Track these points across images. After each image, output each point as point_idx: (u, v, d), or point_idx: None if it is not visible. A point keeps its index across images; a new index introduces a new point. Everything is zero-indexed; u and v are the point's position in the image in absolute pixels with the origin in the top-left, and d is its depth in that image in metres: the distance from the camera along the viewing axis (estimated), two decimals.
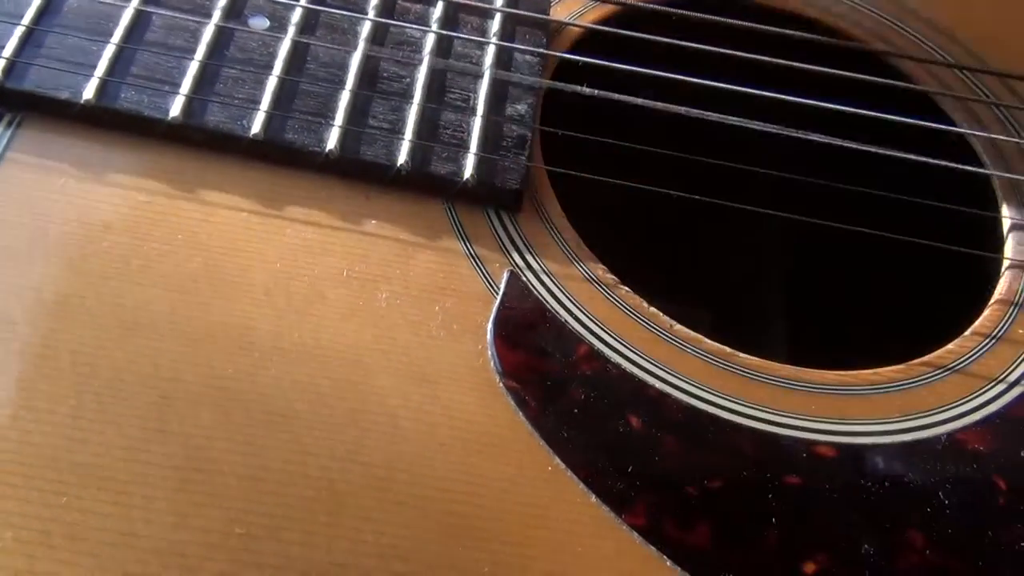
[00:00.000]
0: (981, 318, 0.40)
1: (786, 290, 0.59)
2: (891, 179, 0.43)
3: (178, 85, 0.37)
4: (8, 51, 0.37)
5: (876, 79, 0.45)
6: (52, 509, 0.29)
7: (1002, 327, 0.39)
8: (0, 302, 0.32)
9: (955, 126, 0.47)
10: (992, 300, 0.41)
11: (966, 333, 0.39)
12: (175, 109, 0.37)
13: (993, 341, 0.39)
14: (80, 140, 0.37)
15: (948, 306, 0.45)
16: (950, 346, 0.38)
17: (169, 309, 0.33)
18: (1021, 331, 0.39)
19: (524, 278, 0.36)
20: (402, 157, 0.37)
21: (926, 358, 0.38)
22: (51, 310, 0.32)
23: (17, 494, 0.29)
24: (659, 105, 0.41)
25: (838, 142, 0.42)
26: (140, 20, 0.39)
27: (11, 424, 0.30)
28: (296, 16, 0.40)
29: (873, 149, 0.42)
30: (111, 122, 0.37)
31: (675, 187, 0.41)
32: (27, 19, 0.38)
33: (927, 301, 0.50)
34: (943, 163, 0.43)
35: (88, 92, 0.36)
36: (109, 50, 0.38)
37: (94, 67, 0.37)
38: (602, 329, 0.36)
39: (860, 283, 0.54)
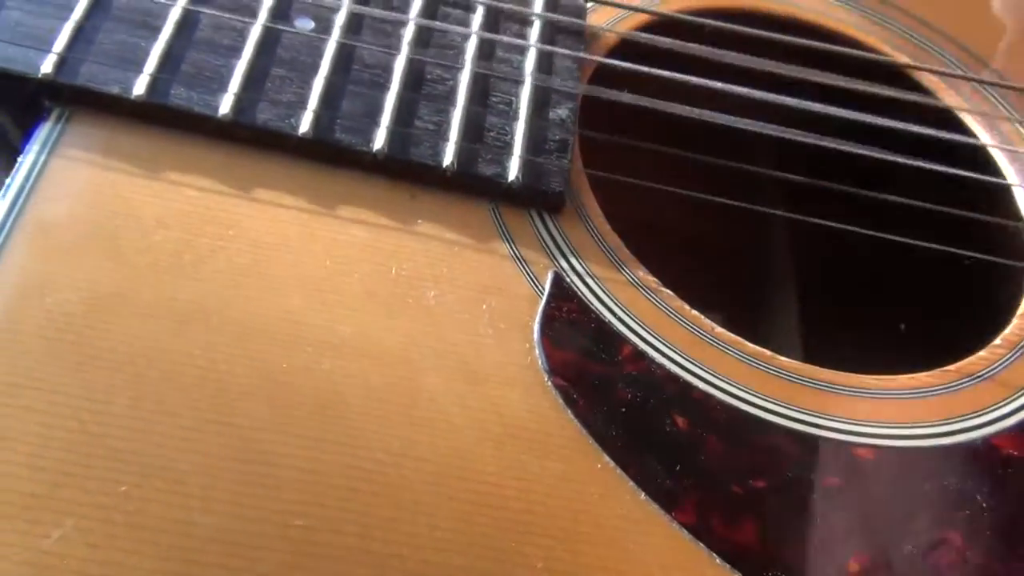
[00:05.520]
0: (1011, 327, 0.40)
1: (801, 296, 0.60)
2: (916, 190, 0.44)
3: (227, 83, 0.38)
4: (60, 46, 0.37)
5: (908, 95, 0.46)
6: (112, 498, 0.29)
7: None
8: (57, 296, 0.32)
9: (976, 139, 0.48)
10: (1017, 313, 0.41)
11: (996, 341, 0.40)
12: (225, 107, 0.37)
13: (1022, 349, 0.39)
14: (129, 136, 0.37)
15: (969, 313, 0.46)
16: (982, 353, 0.39)
17: (222, 304, 0.33)
18: None
19: (568, 279, 0.37)
20: (448, 158, 0.38)
21: (960, 364, 0.38)
22: (107, 303, 0.33)
23: (77, 483, 0.29)
24: (692, 111, 0.42)
25: (873, 153, 0.43)
26: (188, 18, 0.39)
27: (71, 414, 0.30)
28: (340, 18, 0.41)
29: (902, 160, 0.43)
30: (160, 118, 0.37)
31: (698, 189, 0.42)
32: (77, 14, 0.38)
33: (946, 309, 0.51)
34: (967, 174, 0.44)
35: (138, 88, 0.37)
36: (159, 47, 0.38)
37: (144, 63, 0.37)
38: (645, 330, 0.36)
39: (880, 291, 0.54)
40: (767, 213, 0.46)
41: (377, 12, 0.42)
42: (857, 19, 0.51)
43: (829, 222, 0.43)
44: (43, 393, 0.30)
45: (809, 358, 0.39)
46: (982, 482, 0.35)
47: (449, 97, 0.40)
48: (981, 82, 0.50)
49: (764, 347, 0.37)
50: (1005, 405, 0.37)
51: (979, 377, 0.38)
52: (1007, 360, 0.39)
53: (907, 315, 0.52)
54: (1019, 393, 0.37)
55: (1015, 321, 0.40)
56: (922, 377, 0.38)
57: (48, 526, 0.28)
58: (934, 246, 0.43)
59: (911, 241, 0.43)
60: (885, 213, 0.44)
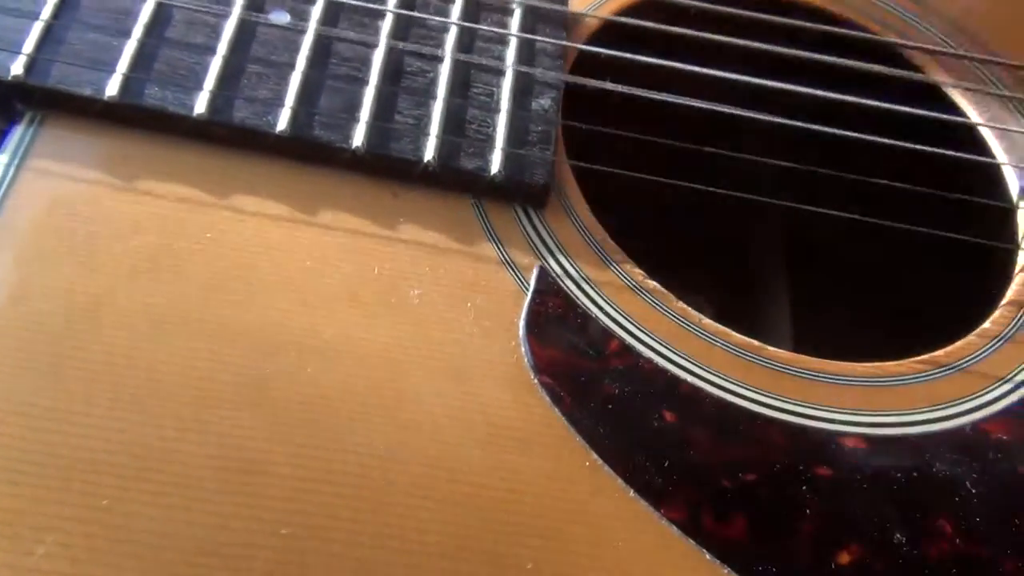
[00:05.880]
0: (997, 312, 0.40)
1: (792, 284, 0.59)
2: (906, 174, 0.44)
3: (202, 81, 0.37)
4: (29, 47, 0.36)
5: (896, 72, 0.46)
6: (94, 512, 0.29)
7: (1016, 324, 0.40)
8: (32, 304, 0.32)
9: (966, 117, 0.47)
10: (1006, 297, 0.41)
11: (985, 325, 0.39)
12: (200, 105, 0.36)
13: (1011, 332, 0.39)
14: (103, 138, 0.36)
15: (957, 299, 0.46)
16: (970, 338, 0.39)
17: (201, 308, 0.33)
18: None
19: (553, 274, 0.36)
20: (429, 153, 0.37)
21: (949, 349, 0.38)
22: (83, 311, 0.32)
23: (57, 497, 0.29)
24: (677, 99, 0.42)
25: (862, 136, 0.42)
26: (160, 15, 0.38)
27: (49, 427, 0.30)
28: (317, 11, 0.40)
29: (888, 141, 0.42)
30: (134, 119, 0.36)
31: (685, 178, 0.42)
32: (45, 14, 0.37)
33: (935, 295, 0.51)
34: (956, 154, 0.44)
35: (111, 88, 0.36)
36: (131, 46, 0.37)
37: (116, 63, 0.37)
38: (632, 324, 0.36)
39: (870, 277, 0.54)
40: (757, 201, 0.46)
41: (354, 2, 0.41)
42: None
43: (819, 208, 0.43)
44: (20, 405, 0.30)
45: (800, 347, 0.38)
46: (972, 467, 0.35)
47: (429, 90, 0.39)
48: (970, 58, 0.49)
49: (755, 337, 0.37)
50: (992, 390, 0.37)
51: (967, 363, 0.38)
52: (994, 345, 0.38)
53: (897, 301, 0.52)
54: (1006, 377, 0.37)
55: (1001, 308, 0.40)
56: (910, 364, 0.37)
57: (30, 543, 0.28)
58: (923, 230, 0.43)
59: (900, 226, 0.43)
60: (875, 198, 0.44)
